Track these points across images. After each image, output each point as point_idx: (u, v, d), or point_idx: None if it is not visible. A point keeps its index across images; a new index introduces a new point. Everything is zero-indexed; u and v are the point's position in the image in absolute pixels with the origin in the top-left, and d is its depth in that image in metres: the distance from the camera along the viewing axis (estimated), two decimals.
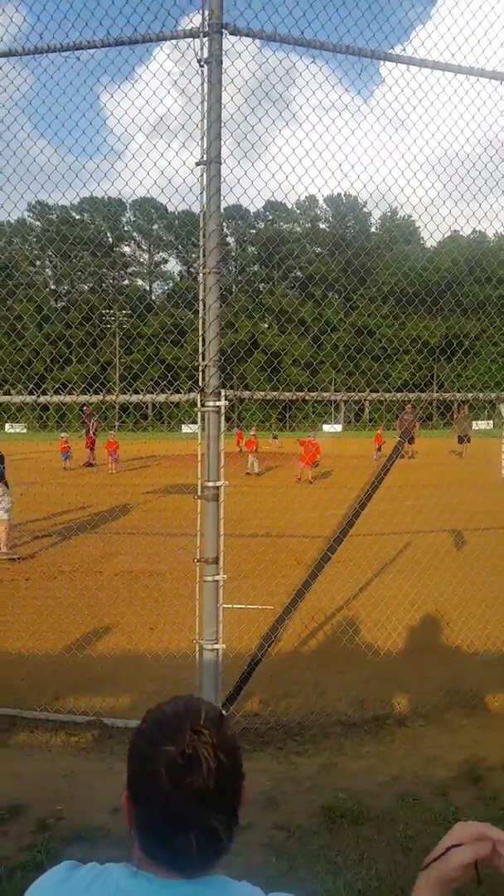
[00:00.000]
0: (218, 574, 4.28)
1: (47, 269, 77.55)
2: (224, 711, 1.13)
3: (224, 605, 4.31)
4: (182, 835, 1.01)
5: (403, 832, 3.24)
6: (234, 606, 4.53)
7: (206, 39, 4.22)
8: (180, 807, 1.00)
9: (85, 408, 24.11)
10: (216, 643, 4.27)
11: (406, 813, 3.41)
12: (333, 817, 3.38)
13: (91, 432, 25.94)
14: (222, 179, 4.30)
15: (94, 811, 3.43)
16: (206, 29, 4.20)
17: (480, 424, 33.67)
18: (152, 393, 5.04)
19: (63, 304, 75.64)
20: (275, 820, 3.39)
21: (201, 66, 4.25)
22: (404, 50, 4.76)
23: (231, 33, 4.29)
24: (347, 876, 2.91)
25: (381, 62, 4.78)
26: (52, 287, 78.92)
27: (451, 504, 10.79)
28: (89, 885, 1.08)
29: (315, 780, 3.82)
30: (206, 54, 4.23)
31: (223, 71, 4.27)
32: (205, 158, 4.25)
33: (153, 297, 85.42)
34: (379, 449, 26.55)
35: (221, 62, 4.25)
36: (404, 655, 5.62)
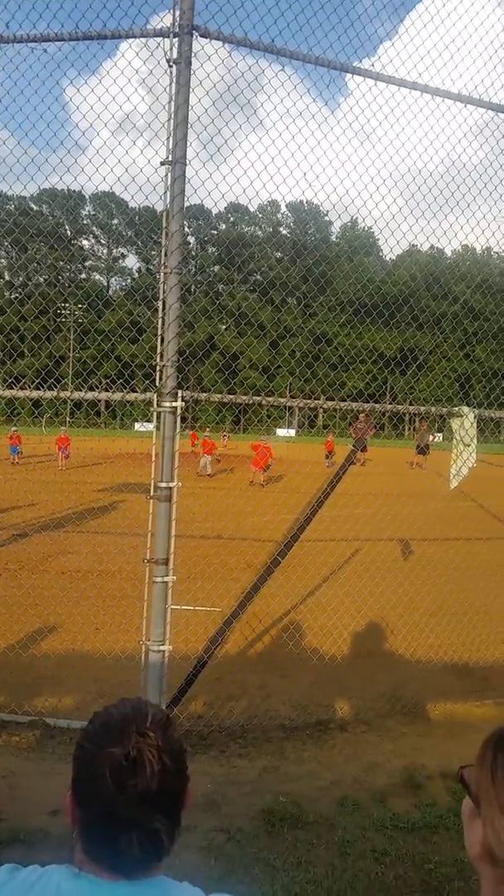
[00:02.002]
0: (168, 575, 4.27)
1: (2, 260, 76.14)
2: (169, 714, 1.14)
3: (172, 606, 4.29)
4: (124, 836, 1.01)
5: (342, 837, 3.28)
6: (183, 608, 4.52)
7: (175, 40, 4.21)
8: (123, 809, 1.00)
9: None
10: (163, 644, 4.25)
11: (345, 818, 3.46)
12: (273, 821, 3.40)
13: None
14: (187, 180, 4.30)
15: (34, 812, 3.38)
16: (177, 29, 4.19)
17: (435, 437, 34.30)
18: (108, 390, 4.99)
19: (18, 295, 74.31)
20: (215, 823, 3.39)
21: (170, 67, 4.23)
22: (372, 65, 4.84)
23: (202, 35, 4.28)
24: (285, 879, 2.94)
25: (349, 76, 4.85)
26: (7, 278, 77.48)
27: (401, 514, 10.96)
28: (30, 887, 1.06)
29: (256, 783, 3.83)
30: (175, 55, 4.21)
31: (192, 73, 4.27)
32: (170, 158, 4.23)
33: (111, 293, 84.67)
34: (328, 456, 26.79)
35: (191, 64, 4.24)
36: (348, 661, 5.69)
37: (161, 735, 1.05)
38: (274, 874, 2.98)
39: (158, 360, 4.26)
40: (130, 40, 4.55)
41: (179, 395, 4.24)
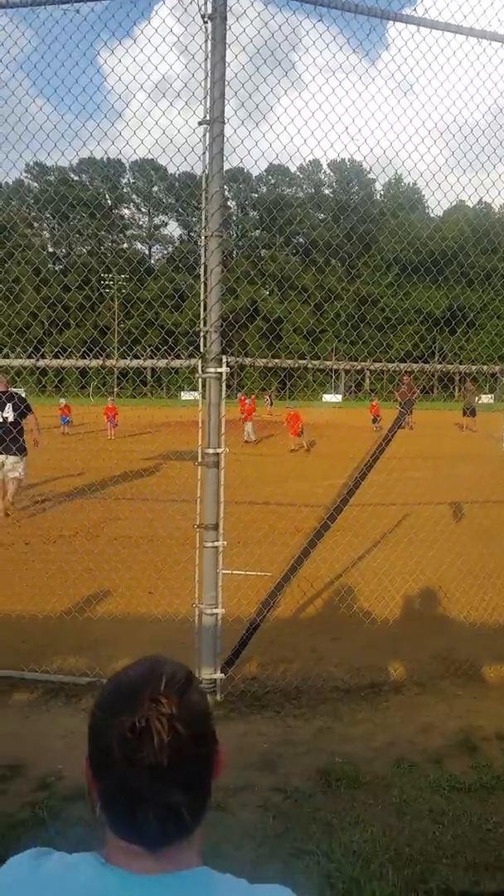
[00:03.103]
0: (218, 540, 4.30)
1: (45, 232, 76.70)
2: (189, 673, 1.05)
3: (223, 571, 4.33)
4: (140, 812, 0.93)
5: (398, 797, 3.29)
6: (234, 572, 4.56)
7: None
8: (135, 782, 0.93)
9: None
10: (215, 608, 4.30)
11: (401, 779, 3.47)
12: (330, 780, 3.44)
13: None
14: (225, 140, 4.21)
15: None
16: None
17: (483, 398, 33.54)
18: (152, 358, 4.99)
19: (61, 266, 74.92)
20: (272, 782, 3.44)
21: (205, 23, 4.12)
22: (415, 10, 4.63)
23: None
24: (342, 837, 2.97)
25: (391, 24, 4.65)
26: (50, 249, 78.12)
27: (451, 476, 10.81)
28: (59, 882, 0.98)
29: (312, 743, 3.87)
30: (209, 10, 4.10)
31: (227, 28, 4.15)
32: (208, 118, 4.15)
33: (152, 261, 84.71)
34: (375, 420, 26.53)
35: (226, 18, 4.12)
36: (400, 625, 5.67)
37: (176, 700, 0.96)
38: (332, 833, 3.01)
39: (202, 325, 4.23)
40: None
41: (224, 360, 4.22)
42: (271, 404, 38.55)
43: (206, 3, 4.09)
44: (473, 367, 5.25)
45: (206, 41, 4.11)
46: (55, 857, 1.04)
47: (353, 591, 6.29)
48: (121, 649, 5.04)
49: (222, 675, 4.36)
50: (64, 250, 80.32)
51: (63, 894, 0.97)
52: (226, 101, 4.16)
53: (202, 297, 4.24)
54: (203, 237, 4.24)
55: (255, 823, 3.07)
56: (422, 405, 32.49)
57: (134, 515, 9.73)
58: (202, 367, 4.23)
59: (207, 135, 4.16)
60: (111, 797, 0.97)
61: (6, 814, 3.11)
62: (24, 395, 10.33)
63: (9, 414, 9.32)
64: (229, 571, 4.43)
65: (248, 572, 4.80)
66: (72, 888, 0.97)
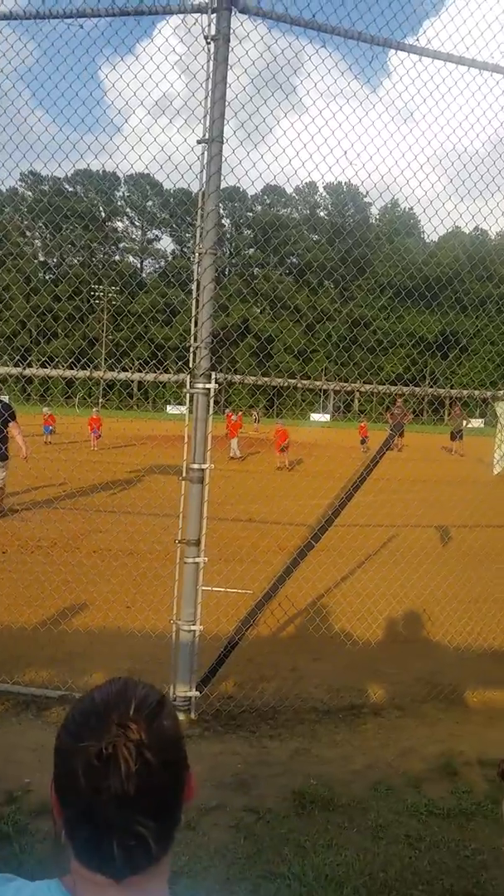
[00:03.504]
0: (199, 556, 4.28)
1: (37, 241, 76.72)
2: (161, 697, 1.00)
3: (203, 588, 4.30)
4: (105, 841, 0.90)
5: (374, 821, 3.26)
6: (214, 589, 4.53)
7: (214, 16, 4.15)
8: (101, 811, 0.89)
9: None
10: (194, 624, 4.27)
11: (378, 802, 3.44)
12: (304, 803, 3.40)
13: None
14: (223, 159, 4.25)
15: None
16: (215, 5, 4.13)
17: (473, 423, 33.81)
18: (140, 372, 4.98)
19: (52, 276, 74.96)
20: (245, 802, 3.40)
21: (208, 44, 4.18)
22: (417, 40, 4.70)
23: (240, 11, 4.22)
24: (315, 860, 2.93)
25: (393, 52, 4.72)
26: (42, 259, 78.13)
27: (439, 500, 10.82)
28: None
29: (287, 764, 3.84)
30: (213, 31, 4.16)
31: (230, 49, 4.20)
32: (206, 137, 4.19)
33: (144, 275, 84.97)
34: (363, 441, 26.59)
35: (229, 40, 4.18)
36: (383, 647, 5.65)
37: (145, 726, 0.92)
38: (304, 855, 2.98)
39: (192, 341, 4.24)
40: (167, 17, 4.50)
41: (213, 376, 4.22)
42: (257, 421, 38.65)
43: (209, 25, 4.14)
44: (465, 392, 5.27)
45: (208, 61, 4.17)
46: (16, 884, 0.98)
47: (335, 611, 6.27)
48: (95, 663, 4.98)
49: (198, 692, 4.32)
50: (56, 260, 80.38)
51: None
52: (225, 122, 4.21)
53: (194, 313, 4.26)
54: (197, 254, 4.26)
55: (226, 844, 3.02)
56: (411, 428, 32.66)
57: (115, 528, 9.67)
58: (190, 382, 4.23)
59: (206, 153, 4.20)
60: (76, 825, 0.93)
61: None
62: (8, 402, 10.38)
63: None
64: (209, 588, 4.41)
65: (228, 590, 4.77)
66: None
